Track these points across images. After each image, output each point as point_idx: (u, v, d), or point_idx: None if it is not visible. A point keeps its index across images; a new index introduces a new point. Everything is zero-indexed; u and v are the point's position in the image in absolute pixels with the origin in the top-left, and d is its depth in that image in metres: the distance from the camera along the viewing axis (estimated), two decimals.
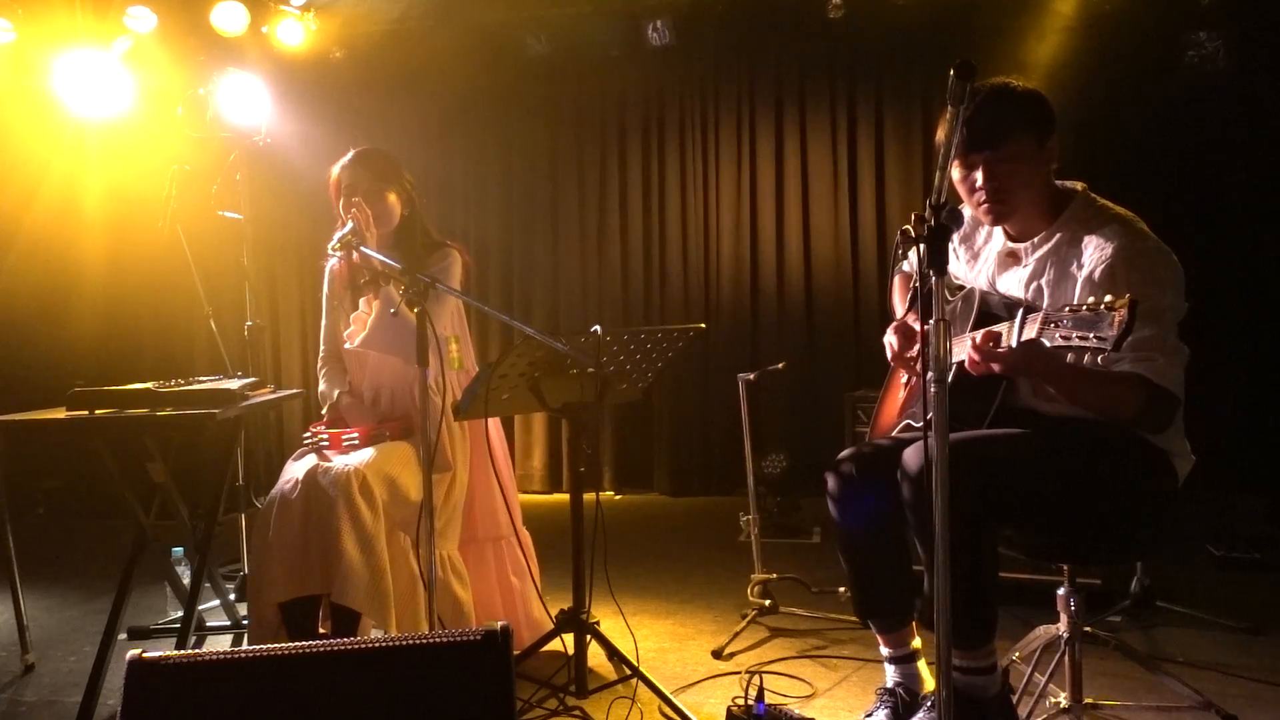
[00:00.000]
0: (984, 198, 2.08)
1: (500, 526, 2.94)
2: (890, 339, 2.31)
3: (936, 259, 1.55)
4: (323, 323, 2.99)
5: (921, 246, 1.56)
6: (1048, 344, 1.69)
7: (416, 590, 2.61)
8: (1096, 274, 1.97)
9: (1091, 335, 1.60)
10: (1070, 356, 1.65)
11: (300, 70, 5.35)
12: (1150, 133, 4.81)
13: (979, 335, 1.90)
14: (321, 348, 2.99)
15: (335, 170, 2.82)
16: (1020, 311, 1.81)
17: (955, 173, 2.11)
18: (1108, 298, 1.61)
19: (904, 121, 5.35)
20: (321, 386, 2.94)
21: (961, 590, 1.58)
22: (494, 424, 2.93)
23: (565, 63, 5.48)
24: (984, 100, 2.00)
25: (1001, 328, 1.89)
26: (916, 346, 2.27)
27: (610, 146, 5.76)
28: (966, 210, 2.20)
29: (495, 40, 5.42)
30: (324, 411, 2.91)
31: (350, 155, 2.81)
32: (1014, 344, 1.81)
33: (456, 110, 5.80)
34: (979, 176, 2.06)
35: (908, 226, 1.58)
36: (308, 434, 2.81)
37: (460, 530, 2.83)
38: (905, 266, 2.52)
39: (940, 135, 2.06)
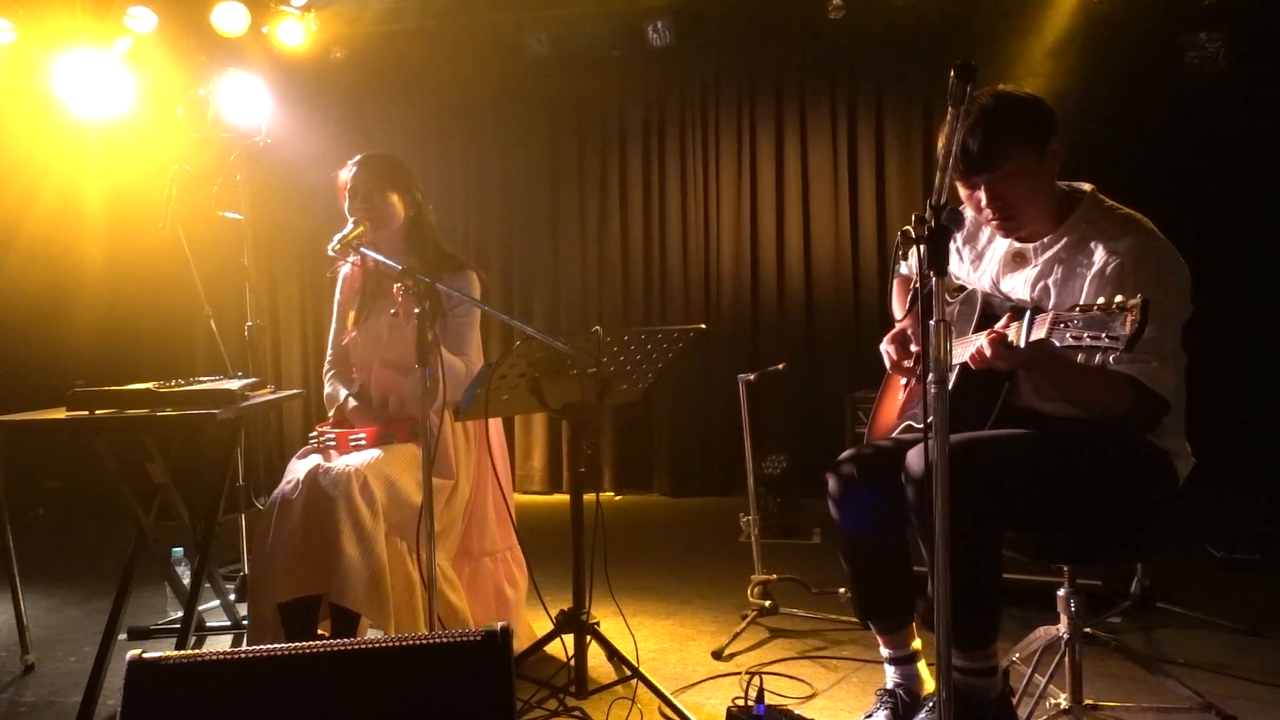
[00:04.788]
0: (991, 215, 2.08)
1: (498, 541, 2.94)
2: (886, 348, 2.31)
3: (937, 260, 1.55)
4: (332, 326, 3.00)
5: (921, 247, 1.56)
6: (1057, 344, 1.69)
7: (413, 593, 2.61)
8: (1106, 272, 1.97)
9: (1104, 335, 1.59)
10: (1081, 356, 1.64)
11: (301, 70, 5.35)
12: (1151, 133, 4.80)
13: (990, 335, 1.90)
14: (329, 351, 3.00)
15: (342, 175, 2.83)
16: (1029, 311, 1.81)
17: (960, 190, 2.10)
18: (1119, 297, 1.60)
19: (904, 121, 5.35)
20: (328, 389, 2.94)
21: (964, 592, 1.58)
22: (496, 431, 2.92)
23: (565, 63, 5.47)
24: (976, 121, 1.97)
25: (1010, 328, 1.89)
26: (914, 354, 2.27)
27: (610, 146, 5.76)
28: (968, 211, 2.20)
29: (495, 40, 5.42)
30: (330, 414, 2.91)
31: (359, 156, 2.83)
32: (1023, 344, 1.80)
33: (456, 110, 5.80)
34: (982, 196, 2.06)
35: (908, 227, 1.57)
36: (314, 433, 2.81)
37: (457, 543, 2.82)
38: (904, 269, 2.52)
39: (941, 142, 2.06)
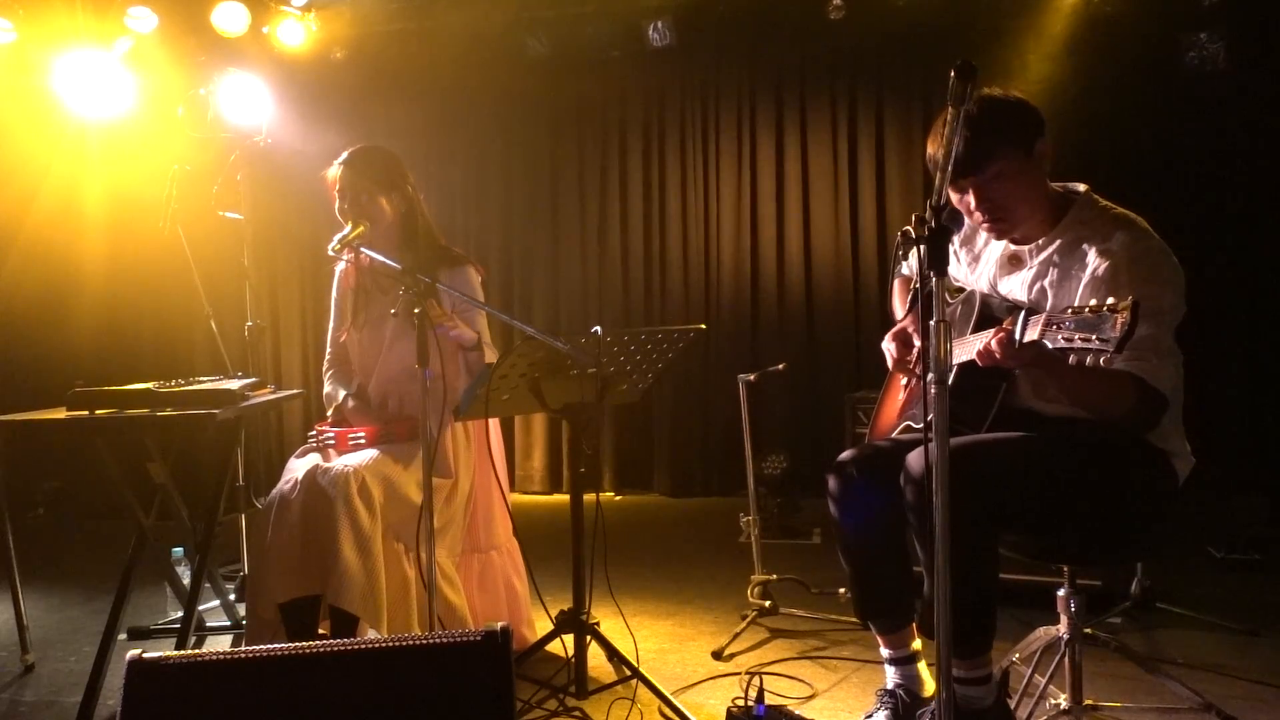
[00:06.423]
0: (982, 218, 2.08)
1: (502, 534, 2.95)
2: (888, 346, 2.31)
3: (937, 260, 1.55)
4: (330, 325, 2.99)
5: (922, 248, 1.56)
6: (1050, 345, 1.69)
7: (408, 593, 2.61)
8: (1099, 272, 1.97)
9: (1094, 337, 1.59)
10: (1072, 358, 1.64)
11: (301, 70, 5.35)
12: (1150, 134, 4.80)
13: (998, 334, 1.89)
14: (328, 350, 2.99)
15: (332, 170, 2.81)
16: (1023, 313, 1.81)
17: (951, 194, 2.10)
18: (1110, 300, 1.60)
19: (904, 121, 5.35)
20: (327, 388, 2.94)
21: (960, 598, 1.58)
22: (494, 431, 2.92)
23: (565, 63, 5.47)
24: (961, 125, 1.98)
25: (1015, 327, 1.88)
26: (915, 351, 2.27)
27: (610, 147, 5.76)
28: None
29: (495, 40, 5.42)
30: (329, 413, 2.91)
31: (345, 154, 2.78)
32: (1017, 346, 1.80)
33: (457, 110, 5.80)
34: (972, 200, 2.06)
35: (908, 228, 1.57)
36: (313, 433, 2.80)
37: (460, 540, 2.82)
38: (905, 269, 2.52)
39: (931, 148, 2.06)
